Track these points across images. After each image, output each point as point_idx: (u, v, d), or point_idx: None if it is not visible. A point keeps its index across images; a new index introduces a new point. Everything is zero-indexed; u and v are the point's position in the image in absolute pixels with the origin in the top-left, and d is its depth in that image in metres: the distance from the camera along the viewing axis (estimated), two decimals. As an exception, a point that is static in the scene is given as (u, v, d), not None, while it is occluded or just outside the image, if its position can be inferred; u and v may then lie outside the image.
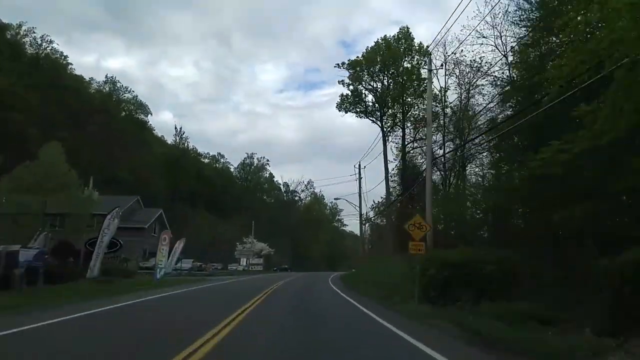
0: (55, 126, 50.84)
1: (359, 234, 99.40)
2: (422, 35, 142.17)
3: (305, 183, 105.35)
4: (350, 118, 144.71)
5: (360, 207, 40.93)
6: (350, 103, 43.46)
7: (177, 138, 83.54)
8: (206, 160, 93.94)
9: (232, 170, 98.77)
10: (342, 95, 43.34)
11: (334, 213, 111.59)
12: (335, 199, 37.86)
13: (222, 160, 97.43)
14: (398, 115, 40.06)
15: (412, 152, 36.36)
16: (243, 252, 61.18)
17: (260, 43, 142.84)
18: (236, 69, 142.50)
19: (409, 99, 38.93)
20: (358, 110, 43.74)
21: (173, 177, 72.56)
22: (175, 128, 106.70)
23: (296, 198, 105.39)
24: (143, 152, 70.02)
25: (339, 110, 43.85)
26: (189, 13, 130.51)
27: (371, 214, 56.33)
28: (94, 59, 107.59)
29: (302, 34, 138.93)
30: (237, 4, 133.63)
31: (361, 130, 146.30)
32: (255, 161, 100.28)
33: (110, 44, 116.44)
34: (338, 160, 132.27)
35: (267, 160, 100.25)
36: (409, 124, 38.65)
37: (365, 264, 36.35)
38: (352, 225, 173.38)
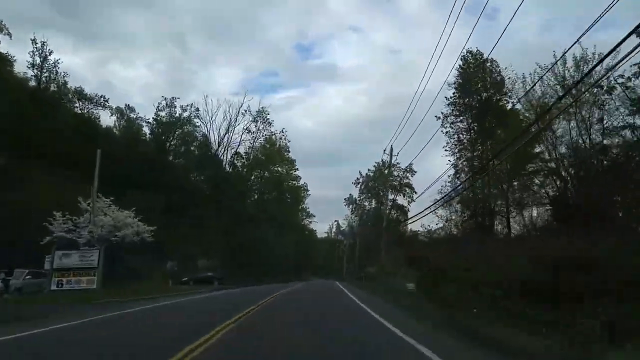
0: None
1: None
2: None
3: (258, 110, 70.47)
4: (309, 121, 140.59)
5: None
6: None
7: (36, 59, 47.81)
8: (110, 117, 60.62)
9: (145, 131, 65.34)
10: None
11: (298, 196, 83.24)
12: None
13: (131, 115, 63.97)
14: None
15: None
16: None
17: (216, 46, 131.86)
18: (192, 71, 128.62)
19: None
20: None
21: (28, 125, 41.20)
22: (34, 41, 47.82)
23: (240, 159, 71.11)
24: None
25: None
26: (143, 14, 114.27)
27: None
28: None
29: (260, 37, 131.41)
30: (194, 6, 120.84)
31: (323, 133, 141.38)
32: (178, 111, 64.44)
33: (57, 42, 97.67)
34: (299, 165, 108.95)
35: (197, 110, 65.17)
36: None
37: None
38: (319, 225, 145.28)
